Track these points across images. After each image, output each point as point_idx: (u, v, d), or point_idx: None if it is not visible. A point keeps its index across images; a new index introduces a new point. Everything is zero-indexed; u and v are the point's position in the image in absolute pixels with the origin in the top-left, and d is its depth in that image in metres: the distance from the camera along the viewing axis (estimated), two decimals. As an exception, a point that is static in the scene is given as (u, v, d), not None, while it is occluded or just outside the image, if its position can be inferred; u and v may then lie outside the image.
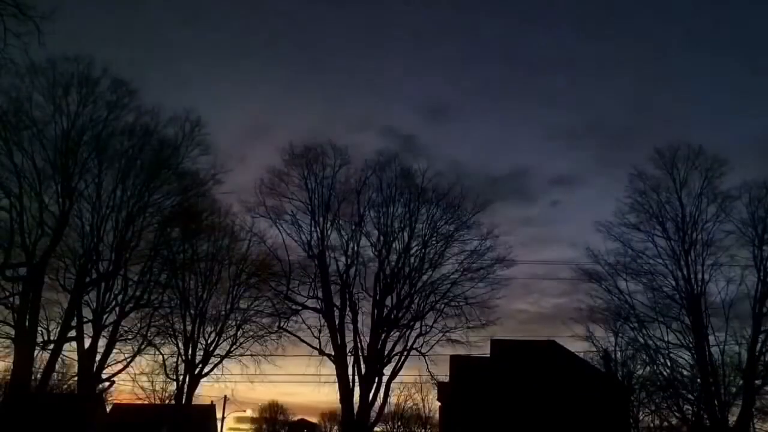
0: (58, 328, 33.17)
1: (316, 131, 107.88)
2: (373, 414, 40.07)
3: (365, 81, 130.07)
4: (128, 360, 37.10)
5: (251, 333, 41.07)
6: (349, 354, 38.89)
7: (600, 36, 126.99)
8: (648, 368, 40.66)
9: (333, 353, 38.75)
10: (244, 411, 78.90)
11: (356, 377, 38.69)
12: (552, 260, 73.13)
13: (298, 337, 39.81)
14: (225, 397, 56.73)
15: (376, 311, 39.33)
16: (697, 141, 37.31)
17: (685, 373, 36.39)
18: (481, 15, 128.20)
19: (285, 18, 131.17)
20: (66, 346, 34.10)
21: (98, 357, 34.52)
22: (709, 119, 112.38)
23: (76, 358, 34.62)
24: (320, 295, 39.58)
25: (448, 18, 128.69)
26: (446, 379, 40.26)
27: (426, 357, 39.73)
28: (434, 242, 40.66)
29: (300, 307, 39.89)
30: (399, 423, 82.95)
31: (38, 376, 34.88)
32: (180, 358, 40.14)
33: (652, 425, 47.81)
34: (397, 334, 39.84)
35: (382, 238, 40.30)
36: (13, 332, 31.90)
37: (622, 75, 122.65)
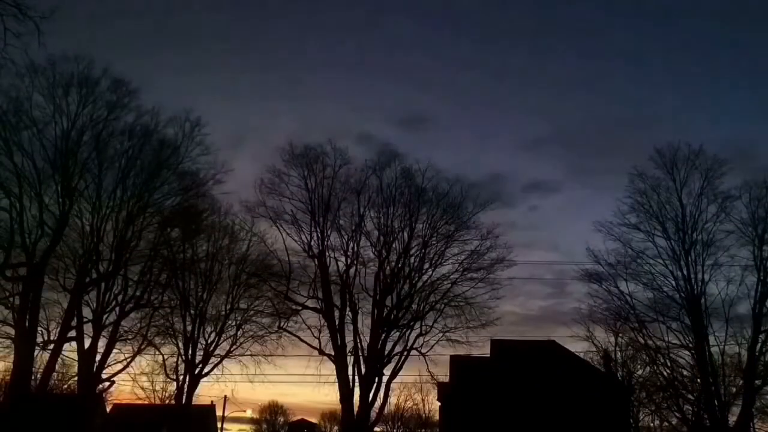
0: (58, 328, 33.20)
1: (293, 138, 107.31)
2: (373, 414, 40.15)
3: (341, 89, 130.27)
4: (128, 360, 37.22)
5: (251, 333, 41.16)
6: (349, 354, 38.93)
7: (573, 47, 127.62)
8: (648, 368, 40.69)
9: (333, 353, 38.75)
10: (245, 411, 78.84)
11: (356, 377, 38.71)
12: (553, 261, 73.26)
13: (298, 337, 39.87)
14: (225, 397, 56.73)
15: (376, 311, 39.34)
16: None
17: (685, 373, 36.36)
18: (457, 24, 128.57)
19: (260, 25, 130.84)
20: (66, 346, 34.21)
21: (98, 357, 34.55)
22: (682, 127, 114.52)
23: (76, 358, 34.65)
24: (320, 295, 39.59)
25: (422, 27, 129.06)
26: (446, 379, 40.26)
27: (426, 357, 39.83)
28: (434, 242, 40.69)
29: (300, 307, 39.91)
30: (399, 423, 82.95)
31: (38, 376, 34.91)
32: (180, 358, 40.20)
33: (652, 425, 47.89)
34: (397, 334, 39.87)
35: (382, 238, 40.32)
36: (13, 332, 31.94)
37: (591, 84, 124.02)
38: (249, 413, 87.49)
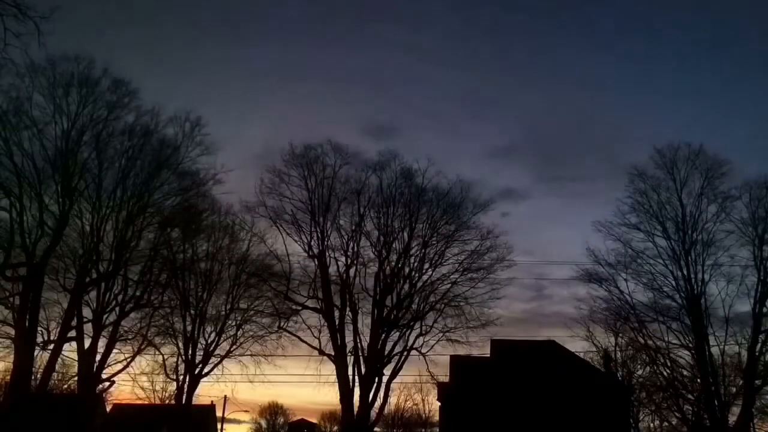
0: (58, 328, 33.22)
1: (263, 145, 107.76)
2: (373, 414, 40.15)
3: (307, 98, 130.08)
4: (128, 360, 37.24)
5: (251, 333, 41.18)
6: (349, 354, 38.95)
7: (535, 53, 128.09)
8: (648, 368, 40.74)
9: (333, 353, 38.76)
10: (246, 411, 78.81)
11: (356, 377, 38.72)
12: (554, 261, 73.24)
13: (298, 337, 39.88)
14: (225, 397, 56.73)
15: (376, 311, 39.35)
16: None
17: (685, 373, 36.40)
18: (424, 32, 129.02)
19: (228, 32, 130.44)
20: (66, 346, 34.23)
21: (98, 357, 34.57)
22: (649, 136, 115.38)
23: (76, 358, 34.68)
24: (320, 295, 39.60)
25: (389, 35, 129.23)
26: (446, 379, 40.25)
27: (426, 357, 39.88)
28: (434, 242, 40.72)
29: (300, 307, 39.91)
30: (399, 423, 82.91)
31: (38, 376, 34.90)
32: (180, 358, 40.21)
33: (652, 425, 47.90)
34: (397, 334, 39.90)
35: (382, 238, 40.34)
36: (13, 332, 31.94)
37: (561, 93, 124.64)
38: (248, 418, 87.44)
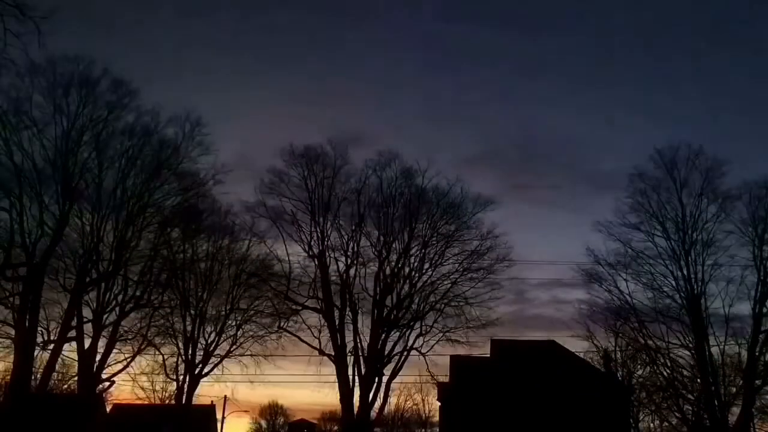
0: (58, 328, 33.17)
1: (235, 154, 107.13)
2: (373, 414, 40.13)
3: (272, 106, 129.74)
4: (128, 360, 37.16)
5: (251, 333, 41.09)
6: (349, 354, 38.97)
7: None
8: (648, 368, 40.73)
9: (333, 353, 38.77)
10: (247, 412, 78.78)
11: (356, 377, 38.73)
12: (553, 261, 73.27)
13: (298, 337, 39.88)
14: (225, 397, 56.71)
15: (376, 311, 39.36)
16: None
17: (685, 373, 36.40)
18: (388, 42, 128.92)
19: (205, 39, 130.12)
20: (66, 346, 34.20)
21: (98, 357, 34.53)
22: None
23: (76, 358, 34.64)
24: (320, 295, 39.62)
25: (352, 43, 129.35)
26: (446, 379, 40.25)
27: (426, 357, 39.88)
28: (434, 242, 40.75)
29: (300, 307, 39.91)
30: (399, 423, 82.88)
31: (38, 376, 34.88)
32: (180, 358, 40.17)
33: (652, 425, 47.87)
34: (397, 334, 39.91)
35: (382, 238, 40.34)
36: (13, 332, 31.93)
37: (525, 103, 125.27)
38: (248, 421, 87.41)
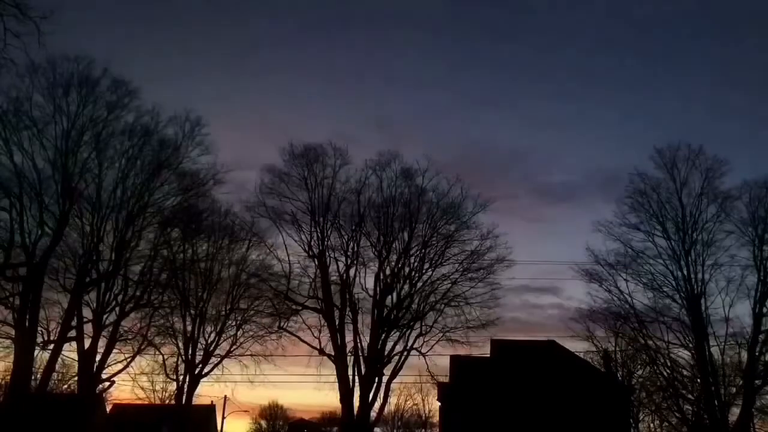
0: (58, 328, 33.15)
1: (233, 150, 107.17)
2: (373, 414, 40.12)
3: (279, 107, 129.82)
4: (128, 360, 37.14)
5: (251, 333, 41.17)
6: (349, 354, 38.95)
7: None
8: (648, 368, 40.73)
9: (333, 353, 38.76)
10: (247, 412, 78.76)
11: (356, 377, 38.70)
12: (553, 261, 73.25)
13: (298, 337, 39.89)
14: (225, 397, 56.74)
15: (376, 311, 39.34)
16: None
17: (685, 373, 36.42)
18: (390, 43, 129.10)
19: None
20: (66, 346, 34.16)
21: (98, 357, 34.50)
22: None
23: (76, 358, 34.62)
24: (320, 295, 39.59)
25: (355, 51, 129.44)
26: (446, 379, 40.25)
27: (426, 357, 39.87)
28: (434, 242, 40.72)
29: (300, 307, 39.89)
30: (399, 423, 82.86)
31: (38, 376, 34.87)
32: (180, 358, 40.21)
33: (652, 425, 47.88)
34: (397, 334, 39.88)
35: (382, 238, 40.32)
36: (13, 332, 31.91)
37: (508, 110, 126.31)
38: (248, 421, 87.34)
